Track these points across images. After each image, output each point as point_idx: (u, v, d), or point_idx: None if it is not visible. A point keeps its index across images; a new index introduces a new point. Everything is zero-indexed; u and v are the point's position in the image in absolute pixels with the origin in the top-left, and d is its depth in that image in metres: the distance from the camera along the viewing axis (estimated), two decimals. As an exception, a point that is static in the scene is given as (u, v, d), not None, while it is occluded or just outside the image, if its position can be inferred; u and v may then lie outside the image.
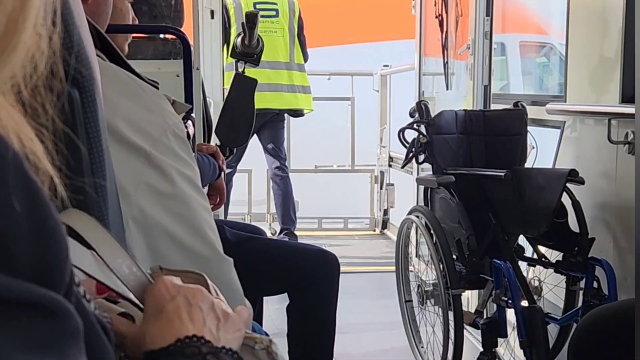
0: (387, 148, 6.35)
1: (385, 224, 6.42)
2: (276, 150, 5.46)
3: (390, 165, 6.32)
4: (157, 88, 1.16)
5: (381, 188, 6.45)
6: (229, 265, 1.15)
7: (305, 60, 5.48)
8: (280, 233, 5.55)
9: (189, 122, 1.86)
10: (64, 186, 0.54)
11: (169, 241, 1.06)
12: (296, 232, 5.59)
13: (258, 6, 5.20)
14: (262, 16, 4.63)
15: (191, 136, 1.76)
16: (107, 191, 0.85)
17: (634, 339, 1.43)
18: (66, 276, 0.51)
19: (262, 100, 4.86)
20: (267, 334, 1.98)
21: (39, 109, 0.54)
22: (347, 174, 6.79)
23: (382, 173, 6.47)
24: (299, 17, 5.47)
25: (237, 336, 0.72)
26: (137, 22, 2.11)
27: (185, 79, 2.16)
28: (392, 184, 6.34)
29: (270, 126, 5.41)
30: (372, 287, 4.91)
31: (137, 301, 0.76)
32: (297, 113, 5.54)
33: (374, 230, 6.52)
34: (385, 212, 6.40)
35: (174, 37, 2.62)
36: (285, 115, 5.54)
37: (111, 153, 0.88)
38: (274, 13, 5.36)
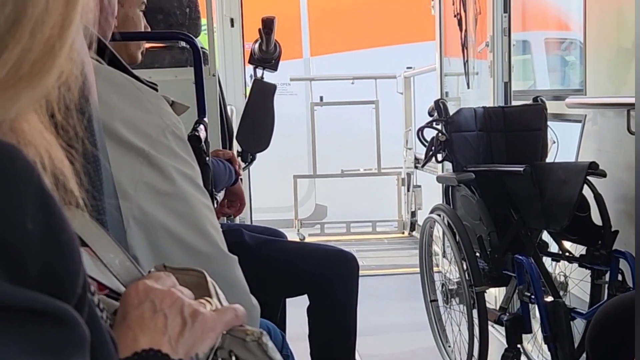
0: (413, 150, 6.33)
1: (413, 226, 6.39)
2: None
3: (416, 167, 6.31)
4: (156, 90, 1.18)
5: (408, 190, 6.43)
6: (232, 263, 1.15)
7: None
8: None
9: (201, 126, 1.88)
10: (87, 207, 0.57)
11: (170, 239, 1.07)
12: (325, 237, 5.59)
13: None
14: None
15: (202, 140, 1.78)
16: (104, 191, 0.86)
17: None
18: (78, 287, 0.51)
19: None
20: (283, 334, 1.99)
21: (70, 131, 0.56)
22: (373, 177, 6.79)
23: (408, 175, 6.45)
24: None
25: (209, 336, 0.72)
26: (149, 30, 2.14)
27: (196, 84, 2.18)
28: (419, 186, 6.32)
29: None
30: (401, 289, 4.89)
31: None
32: None
33: (403, 233, 6.51)
34: (413, 214, 6.39)
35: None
36: None
37: (109, 154, 0.89)
38: None
